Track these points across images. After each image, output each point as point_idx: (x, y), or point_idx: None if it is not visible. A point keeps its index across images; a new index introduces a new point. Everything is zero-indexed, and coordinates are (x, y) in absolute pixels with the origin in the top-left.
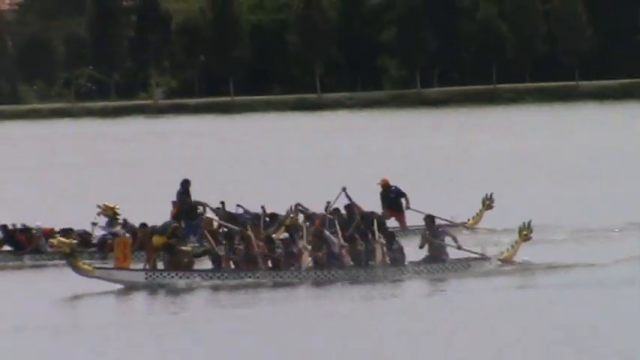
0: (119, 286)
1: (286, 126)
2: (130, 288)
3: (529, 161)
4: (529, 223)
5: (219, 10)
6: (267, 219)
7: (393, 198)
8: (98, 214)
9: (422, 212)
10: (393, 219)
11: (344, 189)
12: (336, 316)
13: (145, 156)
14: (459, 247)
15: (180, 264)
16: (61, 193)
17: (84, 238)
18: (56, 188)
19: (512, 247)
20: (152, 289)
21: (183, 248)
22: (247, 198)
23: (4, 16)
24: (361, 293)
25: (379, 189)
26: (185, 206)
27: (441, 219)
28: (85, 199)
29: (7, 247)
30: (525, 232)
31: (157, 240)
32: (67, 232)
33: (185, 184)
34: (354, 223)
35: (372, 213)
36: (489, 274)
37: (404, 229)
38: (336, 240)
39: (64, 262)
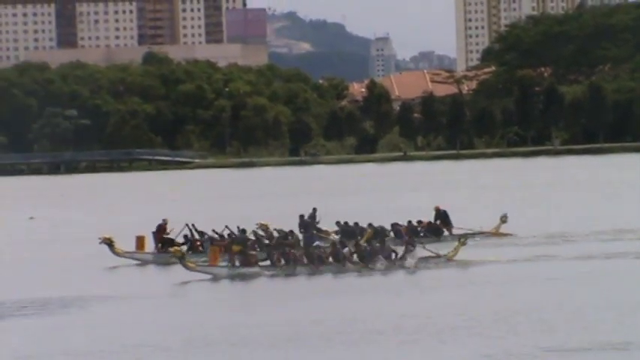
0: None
1: None
2: (217, 278)
3: None
4: (465, 235)
5: None
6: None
7: (444, 217)
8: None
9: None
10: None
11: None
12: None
13: None
14: (424, 248)
15: (249, 262)
16: None
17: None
18: None
19: (455, 248)
20: (232, 277)
21: (252, 252)
22: None
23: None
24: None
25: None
26: (303, 224)
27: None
28: None
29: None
30: (463, 240)
31: (235, 247)
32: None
33: (313, 211)
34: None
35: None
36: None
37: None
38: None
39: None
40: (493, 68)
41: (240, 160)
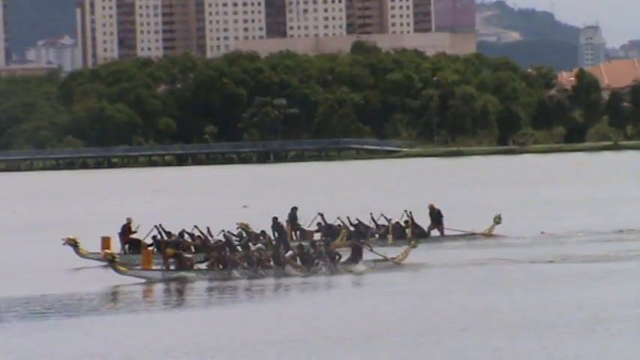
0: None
1: None
2: (151, 282)
3: None
4: (417, 238)
5: None
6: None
7: (437, 216)
8: (237, 228)
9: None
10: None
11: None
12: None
13: None
14: (371, 250)
15: (184, 266)
16: None
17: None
18: None
19: (405, 252)
20: (166, 282)
21: (187, 255)
22: None
23: None
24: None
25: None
26: (276, 225)
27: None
28: None
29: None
30: (414, 242)
31: (169, 251)
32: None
33: (292, 211)
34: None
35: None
36: (385, 269)
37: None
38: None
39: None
40: None
41: (448, 149)
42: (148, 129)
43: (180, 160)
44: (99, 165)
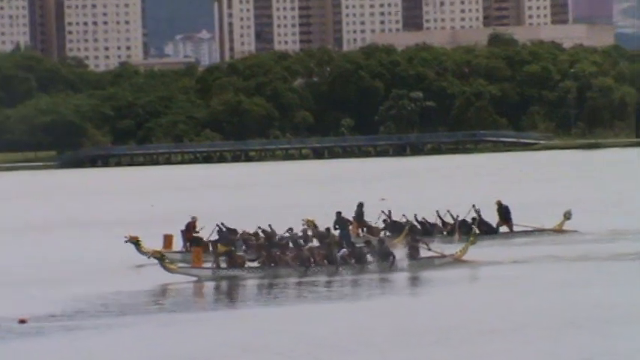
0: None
1: None
2: (201, 280)
3: None
4: (475, 234)
5: None
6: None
7: (505, 212)
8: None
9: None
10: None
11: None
12: None
13: None
14: (429, 249)
15: (235, 263)
16: None
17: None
18: None
19: (463, 248)
20: (217, 281)
21: (239, 253)
22: None
23: None
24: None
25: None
26: (340, 221)
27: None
28: None
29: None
30: (472, 239)
31: (220, 248)
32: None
33: (359, 207)
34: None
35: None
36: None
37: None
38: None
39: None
40: None
41: (585, 142)
42: (285, 122)
43: (317, 154)
44: (236, 158)
